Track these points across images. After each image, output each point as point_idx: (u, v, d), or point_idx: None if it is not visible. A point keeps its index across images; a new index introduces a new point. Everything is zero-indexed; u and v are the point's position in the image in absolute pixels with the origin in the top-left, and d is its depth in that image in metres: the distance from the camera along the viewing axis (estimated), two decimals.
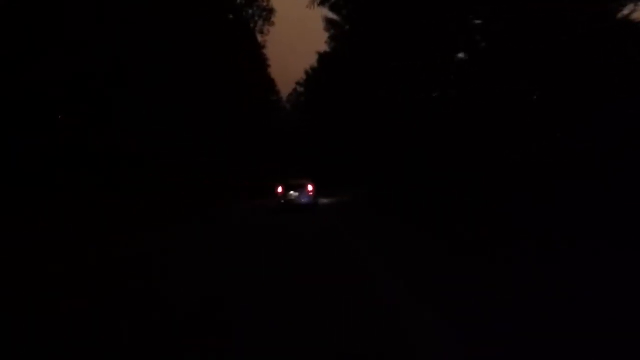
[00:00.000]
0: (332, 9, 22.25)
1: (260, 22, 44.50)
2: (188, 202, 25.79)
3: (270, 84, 56.30)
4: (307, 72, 55.14)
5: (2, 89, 17.32)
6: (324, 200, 26.25)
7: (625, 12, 8.29)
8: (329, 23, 29.71)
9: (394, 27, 15.05)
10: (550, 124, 8.59)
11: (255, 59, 46.21)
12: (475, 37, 11.68)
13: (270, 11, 43.96)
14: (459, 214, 11.98)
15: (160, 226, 14.48)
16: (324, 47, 45.84)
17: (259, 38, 45.76)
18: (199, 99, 30.85)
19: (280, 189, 21.41)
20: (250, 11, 43.59)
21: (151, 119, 26.00)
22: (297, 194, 20.84)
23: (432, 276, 6.31)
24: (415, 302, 5.04)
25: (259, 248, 9.29)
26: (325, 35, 37.10)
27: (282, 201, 20.81)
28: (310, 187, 21.12)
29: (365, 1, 17.87)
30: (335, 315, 4.51)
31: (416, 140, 16.52)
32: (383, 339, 3.93)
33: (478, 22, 11.68)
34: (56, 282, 6.15)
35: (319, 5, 20.56)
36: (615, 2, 8.15)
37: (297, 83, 61.72)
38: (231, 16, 38.93)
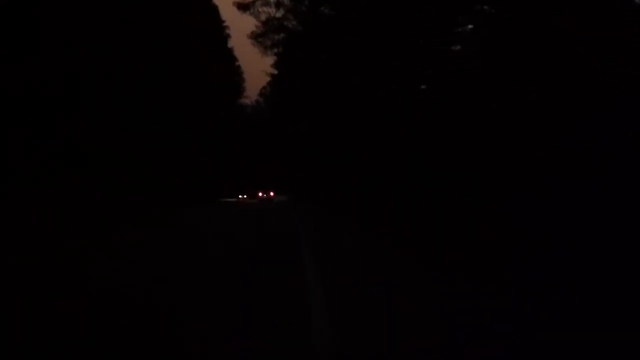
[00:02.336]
0: None
1: None
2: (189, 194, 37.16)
3: (231, 64, 52.03)
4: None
5: (2, 89, 17.29)
6: (278, 198, 59.12)
7: None
8: None
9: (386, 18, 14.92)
10: (550, 124, 8.57)
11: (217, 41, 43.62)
12: (475, 35, 11.66)
13: None
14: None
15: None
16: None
17: None
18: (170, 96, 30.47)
19: (260, 193, 59.49)
20: None
21: (139, 117, 26.07)
22: (266, 195, 59.37)
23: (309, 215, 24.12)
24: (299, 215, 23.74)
25: (251, 210, 31.72)
26: None
27: (259, 198, 58.16)
28: (272, 193, 61.18)
29: None
30: (274, 220, 21.39)
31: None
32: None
33: (477, 19, 11.66)
34: None
35: None
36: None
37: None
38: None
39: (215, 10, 45.89)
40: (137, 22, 24.43)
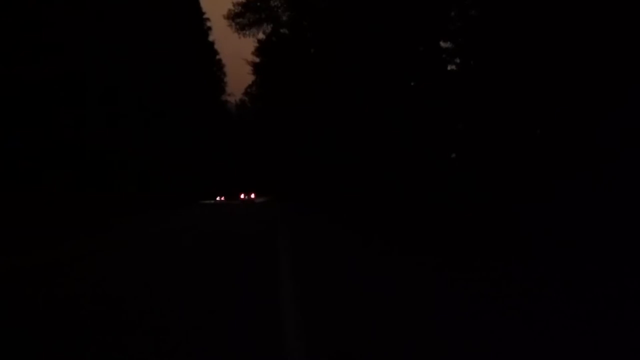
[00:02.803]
0: None
1: None
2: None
3: (212, 58, 48.48)
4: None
5: (2, 89, 17.24)
6: (259, 200, 64.45)
7: None
8: None
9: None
10: (551, 122, 8.50)
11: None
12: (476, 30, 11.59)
13: None
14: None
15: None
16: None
17: None
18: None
19: (242, 196, 71.90)
20: None
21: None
22: (247, 197, 72.60)
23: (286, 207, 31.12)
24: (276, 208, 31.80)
25: (234, 211, 30.19)
26: None
27: (242, 200, 65.30)
28: (253, 196, 74.27)
29: None
30: (259, 216, 23.23)
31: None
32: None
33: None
34: None
35: None
36: None
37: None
38: None
39: (196, 2, 44.21)
40: (119, 20, 24.17)
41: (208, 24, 47.54)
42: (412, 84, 16.50)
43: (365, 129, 18.52)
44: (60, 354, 3.51)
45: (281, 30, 30.28)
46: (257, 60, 40.57)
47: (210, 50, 48.95)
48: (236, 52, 74.70)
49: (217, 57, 52.01)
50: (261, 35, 32.15)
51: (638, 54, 7.70)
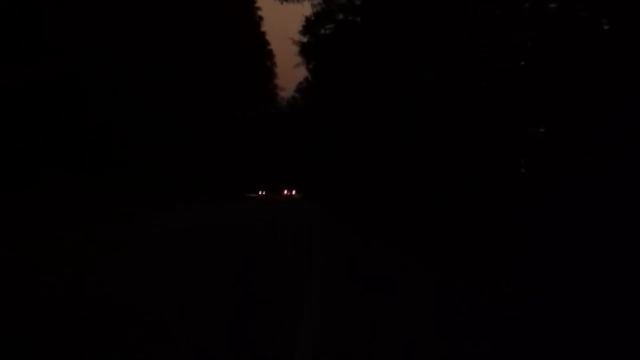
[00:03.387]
0: None
1: None
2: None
3: (262, 49, 47.70)
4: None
5: (2, 88, 17.20)
6: (297, 195, 70.89)
7: None
8: None
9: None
10: (550, 123, 8.49)
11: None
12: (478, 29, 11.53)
13: None
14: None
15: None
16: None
17: None
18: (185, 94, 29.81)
19: (285, 191, 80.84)
20: None
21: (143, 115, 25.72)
22: (289, 192, 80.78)
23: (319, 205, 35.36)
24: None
25: (275, 203, 45.41)
26: None
27: (284, 196, 76.92)
28: (294, 192, 78.87)
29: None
30: (293, 209, 30.20)
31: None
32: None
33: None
34: None
35: None
36: None
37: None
38: None
39: None
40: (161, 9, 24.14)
41: (259, 13, 46.89)
42: (426, 79, 16.14)
43: (376, 125, 18.40)
44: (60, 354, 3.50)
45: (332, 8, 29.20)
46: (304, 39, 35.77)
47: (261, 41, 48.32)
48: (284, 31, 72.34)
49: (269, 47, 51.25)
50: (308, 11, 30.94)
51: (639, 54, 7.70)
